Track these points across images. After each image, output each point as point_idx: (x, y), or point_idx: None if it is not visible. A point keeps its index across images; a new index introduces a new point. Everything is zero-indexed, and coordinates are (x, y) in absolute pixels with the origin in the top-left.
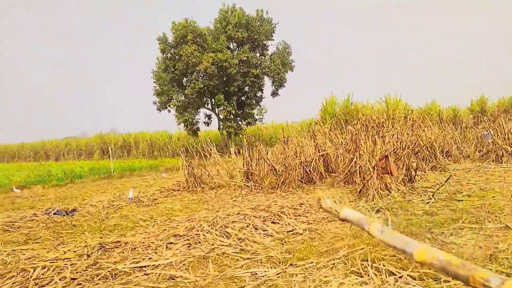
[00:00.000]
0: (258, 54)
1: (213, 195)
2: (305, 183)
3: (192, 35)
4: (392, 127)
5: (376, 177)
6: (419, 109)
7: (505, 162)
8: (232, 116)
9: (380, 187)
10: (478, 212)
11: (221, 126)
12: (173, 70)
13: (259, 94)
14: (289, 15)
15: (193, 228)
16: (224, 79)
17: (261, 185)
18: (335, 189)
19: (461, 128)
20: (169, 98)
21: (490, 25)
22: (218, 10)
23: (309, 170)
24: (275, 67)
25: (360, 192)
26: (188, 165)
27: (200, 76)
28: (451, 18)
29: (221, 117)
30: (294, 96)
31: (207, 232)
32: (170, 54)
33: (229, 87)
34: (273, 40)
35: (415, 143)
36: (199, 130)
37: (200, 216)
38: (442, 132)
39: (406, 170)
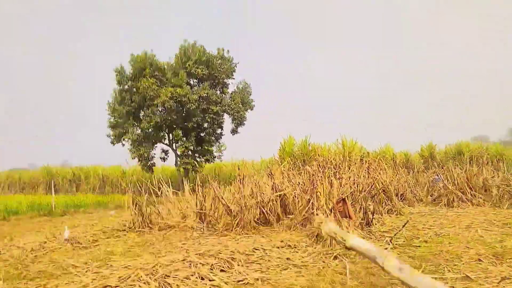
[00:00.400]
0: (218, 92)
1: (161, 237)
2: (261, 225)
3: (151, 68)
4: (349, 169)
5: (334, 220)
6: (374, 152)
7: (456, 207)
8: (190, 153)
9: None
10: (437, 260)
11: (178, 163)
12: (129, 102)
13: (218, 131)
14: (250, 56)
15: (128, 278)
16: (183, 114)
17: (214, 227)
18: (291, 232)
19: (413, 172)
20: (124, 131)
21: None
22: (179, 45)
23: (266, 211)
24: (235, 105)
25: (317, 236)
26: (136, 203)
27: (158, 110)
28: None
29: (179, 153)
30: (254, 135)
31: (144, 283)
32: (128, 86)
33: (188, 123)
34: (233, 78)
35: (372, 186)
36: (154, 166)
37: (140, 263)
38: (396, 175)
39: (363, 213)
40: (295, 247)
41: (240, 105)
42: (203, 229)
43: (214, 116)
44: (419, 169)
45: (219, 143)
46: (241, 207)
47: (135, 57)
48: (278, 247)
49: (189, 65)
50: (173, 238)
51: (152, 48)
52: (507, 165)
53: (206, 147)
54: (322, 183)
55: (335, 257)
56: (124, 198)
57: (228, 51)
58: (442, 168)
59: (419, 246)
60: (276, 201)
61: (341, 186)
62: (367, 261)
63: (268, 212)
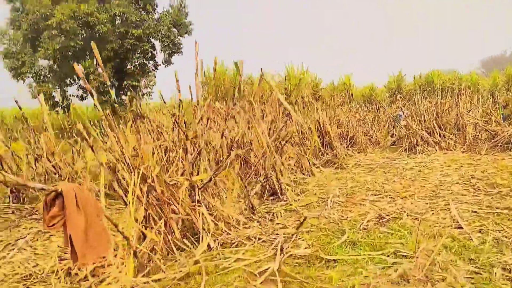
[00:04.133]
0: (141, 11)
1: None
2: None
3: None
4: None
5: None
6: (329, 84)
7: (419, 152)
8: (106, 89)
9: None
10: None
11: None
12: (23, 25)
13: (144, 61)
14: None
15: None
16: (96, 40)
17: None
18: None
19: (376, 108)
20: (21, 63)
21: None
22: None
23: None
24: (163, 28)
25: None
26: None
27: (56, 34)
28: None
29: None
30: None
31: None
32: (19, 3)
33: (101, 51)
34: None
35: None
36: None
37: None
38: (346, 113)
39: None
40: None
41: (172, 28)
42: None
43: (136, 42)
44: (381, 105)
45: (148, 76)
46: None
47: None
48: None
49: None
50: None
51: None
52: (484, 98)
53: (130, 82)
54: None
55: None
56: None
57: None
58: (408, 101)
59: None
60: None
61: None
62: None
63: None
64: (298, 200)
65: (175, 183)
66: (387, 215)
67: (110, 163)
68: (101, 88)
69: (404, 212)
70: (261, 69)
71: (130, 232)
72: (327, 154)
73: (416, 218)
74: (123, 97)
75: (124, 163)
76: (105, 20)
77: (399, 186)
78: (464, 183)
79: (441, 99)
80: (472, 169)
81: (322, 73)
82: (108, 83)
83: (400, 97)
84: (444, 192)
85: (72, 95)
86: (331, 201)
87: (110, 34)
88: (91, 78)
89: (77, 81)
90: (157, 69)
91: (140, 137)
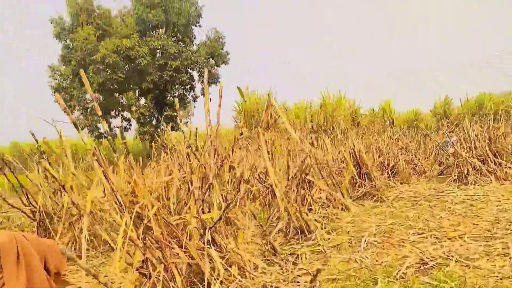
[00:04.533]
0: (180, 44)
1: None
2: None
3: (88, 14)
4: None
5: None
6: (370, 110)
7: (471, 183)
8: (147, 119)
9: None
10: None
11: (136, 132)
12: (69, 61)
13: (184, 92)
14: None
15: None
16: (136, 72)
17: None
18: None
19: (423, 135)
20: (70, 96)
21: None
22: None
23: None
24: (200, 59)
25: None
26: None
27: (99, 68)
28: None
29: (133, 119)
30: (231, 95)
31: None
32: (69, 40)
33: (142, 83)
34: (199, 26)
35: (304, 162)
36: (115, 137)
37: None
38: (387, 139)
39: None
40: None
41: (209, 59)
42: None
43: (174, 74)
44: (428, 131)
45: (187, 107)
46: None
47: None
48: None
49: (139, 9)
50: None
51: None
52: None
53: (171, 113)
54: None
55: None
56: None
57: None
58: (457, 126)
59: None
60: None
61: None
62: None
63: None
64: (328, 239)
65: (179, 223)
66: (431, 260)
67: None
68: (142, 119)
69: (452, 257)
70: (268, 94)
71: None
72: (364, 185)
73: (467, 266)
74: (163, 127)
75: (116, 202)
76: (146, 53)
77: (446, 223)
78: None
79: (494, 123)
80: None
81: (326, 77)
82: (99, 113)
83: (447, 122)
84: (502, 232)
85: (116, 127)
86: (365, 241)
87: (150, 66)
88: (133, 109)
89: (121, 113)
90: (195, 100)
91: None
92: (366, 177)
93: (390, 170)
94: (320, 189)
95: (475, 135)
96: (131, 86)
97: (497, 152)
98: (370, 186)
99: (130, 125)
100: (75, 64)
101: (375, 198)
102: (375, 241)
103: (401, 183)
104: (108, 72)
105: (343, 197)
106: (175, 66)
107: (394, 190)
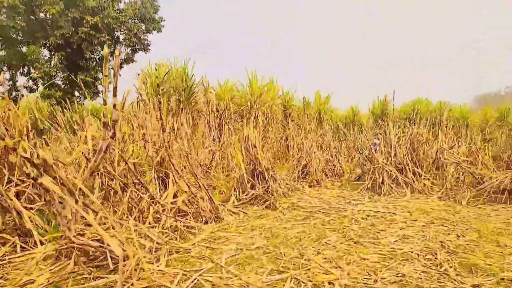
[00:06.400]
0: None
1: None
2: None
3: None
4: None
5: None
6: (307, 103)
7: (384, 194)
8: (54, 80)
9: None
10: None
11: (39, 94)
12: None
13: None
14: None
15: None
16: (43, 24)
17: None
18: None
19: (353, 134)
20: None
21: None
22: None
23: None
24: (126, 20)
25: None
26: None
27: None
28: None
29: (35, 78)
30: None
31: None
32: None
33: (48, 36)
34: None
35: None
36: (17, 99)
37: None
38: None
39: None
40: None
41: (136, 21)
42: None
43: (91, 31)
44: (343, 131)
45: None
46: None
47: None
48: None
49: None
50: None
51: None
52: (471, 133)
53: (84, 77)
54: None
55: None
56: None
57: None
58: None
59: None
60: None
61: None
62: None
63: None
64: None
65: None
66: None
67: None
68: (46, 79)
69: None
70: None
71: None
72: (256, 187)
73: None
74: (77, 93)
75: None
76: (53, 2)
77: (326, 254)
78: (426, 259)
79: (420, 127)
80: (444, 231)
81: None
82: None
83: (383, 124)
84: (389, 277)
85: (24, 87)
86: (194, 279)
87: (62, 18)
88: (37, 66)
89: (30, 70)
90: (121, 67)
91: None
92: (261, 176)
93: (301, 170)
94: (180, 191)
95: (397, 139)
96: (39, 40)
97: (418, 161)
98: (263, 188)
99: (37, 85)
100: None
101: (266, 204)
102: (209, 281)
103: (309, 186)
104: (4, 16)
105: (212, 202)
106: (93, 22)
107: (295, 195)
